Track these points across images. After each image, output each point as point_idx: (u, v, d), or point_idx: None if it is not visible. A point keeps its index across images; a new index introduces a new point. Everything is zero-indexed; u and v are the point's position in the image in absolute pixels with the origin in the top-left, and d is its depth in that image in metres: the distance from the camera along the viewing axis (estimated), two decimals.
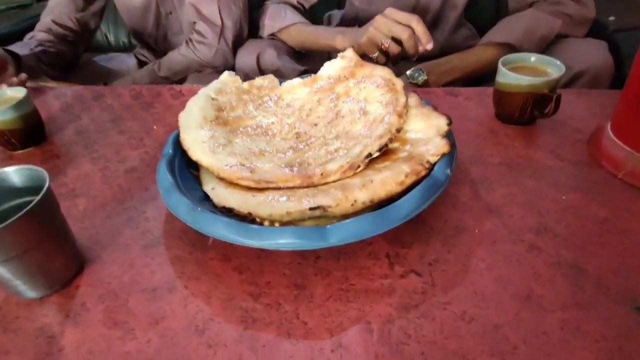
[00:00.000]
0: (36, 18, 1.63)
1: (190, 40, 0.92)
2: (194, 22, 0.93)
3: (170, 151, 0.48)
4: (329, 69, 0.57)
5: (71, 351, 0.34)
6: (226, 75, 0.58)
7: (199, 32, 0.90)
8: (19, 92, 0.60)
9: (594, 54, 0.74)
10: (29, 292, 0.37)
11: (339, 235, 0.35)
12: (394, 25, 0.67)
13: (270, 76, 0.59)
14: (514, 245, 0.39)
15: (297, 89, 0.57)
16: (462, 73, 0.77)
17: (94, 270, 0.41)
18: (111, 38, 1.64)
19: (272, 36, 0.92)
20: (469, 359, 0.30)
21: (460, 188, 0.46)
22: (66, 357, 0.33)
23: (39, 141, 0.63)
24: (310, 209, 0.38)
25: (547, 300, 0.34)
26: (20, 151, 0.61)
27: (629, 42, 0.88)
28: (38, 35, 0.94)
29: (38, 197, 0.34)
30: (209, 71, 0.92)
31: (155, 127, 0.64)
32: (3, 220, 0.32)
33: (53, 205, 0.37)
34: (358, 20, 0.94)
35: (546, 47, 0.78)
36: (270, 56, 0.85)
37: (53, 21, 0.95)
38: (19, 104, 0.58)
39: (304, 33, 0.88)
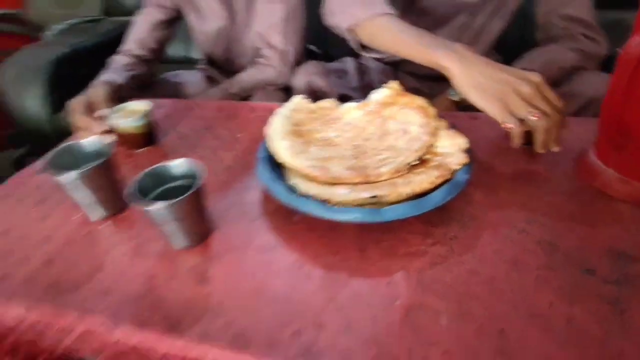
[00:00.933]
0: (108, 33, 1.85)
1: (258, 63, 1.12)
2: (259, 48, 1.13)
3: (264, 154, 0.67)
4: (377, 96, 0.75)
5: (215, 280, 0.52)
6: (298, 98, 0.77)
7: (265, 57, 1.10)
8: (142, 105, 0.81)
9: (601, 84, 0.89)
10: (181, 243, 0.57)
11: (391, 214, 0.53)
12: (528, 108, 0.59)
13: (332, 100, 0.78)
14: (510, 229, 0.56)
15: (352, 111, 0.75)
16: None
17: (219, 234, 0.60)
18: (170, 52, 1.87)
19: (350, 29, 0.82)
20: (473, 295, 0.48)
21: (474, 189, 0.63)
22: (212, 282, 0.52)
23: (152, 143, 0.83)
24: (370, 197, 0.56)
25: (527, 265, 0.51)
26: (137, 150, 0.82)
27: None
28: (122, 60, 1.11)
29: (199, 181, 0.54)
30: (272, 88, 1.11)
31: (239, 135, 0.83)
32: (164, 197, 0.52)
33: (203, 188, 0.56)
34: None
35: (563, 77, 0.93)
36: (317, 80, 1.03)
37: (138, 44, 1.15)
38: (146, 114, 0.79)
39: (395, 33, 0.75)
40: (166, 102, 0.96)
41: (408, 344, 0.43)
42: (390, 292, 0.49)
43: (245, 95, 1.12)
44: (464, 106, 0.90)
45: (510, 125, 0.60)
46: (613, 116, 0.57)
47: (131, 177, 0.55)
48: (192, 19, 1.18)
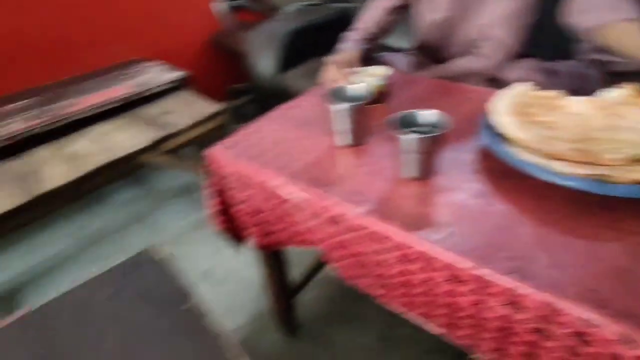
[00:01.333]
0: (329, 16, 2.14)
1: (472, 53, 1.21)
2: (475, 39, 1.22)
3: (487, 125, 0.77)
4: (610, 94, 0.77)
5: (436, 205, 0.66)
6: (523, 86, 0.85)
7: (481, 47, 1.19)
8: (381, 69, 0.99)
9: None
10: (412, 173, 0.72)
11: (623, 190, 0.58)
12: None
13: (557, 92, 0.83)
14: None
15: (580, 103, 0.79)
16: None
17: (440, 176, 0.73)
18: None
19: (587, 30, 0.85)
20: None
21: None
22: (434, 206, 0.66)
23: (381, 102, 1.01)
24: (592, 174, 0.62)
25: None
26: (370, 106, 1.00)
27: None
28: (361, 33, 1.34)
29: (444, 129, 0.67)
30: (481, 78, 1.20)
31: (458, 108, 0.95)
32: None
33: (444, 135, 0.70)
34: None
35: None
36: (533, 75, 1.07)
37: (374, 24, 1.35)
38: (385, 77, 0.97)
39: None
40: (394, 74, 1.14)
41: (622, 299, 0.49)
42: (603, 253, 0.55)
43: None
44: None
45: None
46: None
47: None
48: (422, 7, 1.33)
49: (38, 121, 1.48)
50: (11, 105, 1.60)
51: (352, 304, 1.29)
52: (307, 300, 1.31)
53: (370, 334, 1.21)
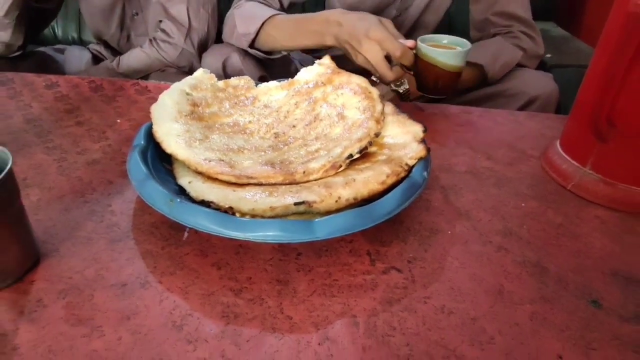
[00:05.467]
0: None
1: (155, 39, 0.89)
2: (160, 21, 0.90)
3: (143, 142, 0.45)
4: (306, 74, 0.57)
5: (27, 350, 0.30)
6: (201, 72, 0.57)
7: (164, 31, 0.88)
8: None
9: (544, 83, 0.83)
10: None
11: (325, 229, 0.35)
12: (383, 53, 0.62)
13: (247, 77, 0.59)
14: (484, 246, 0.41)
15: (273, 91, 0.57)
16: None
17: (51, 265, 0.37)
18: (59, 32, 1.54)
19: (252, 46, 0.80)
20: (451, 348, 0.31)
21: (432, 193, 0.48)
22: (22, 356, 0.30)
23: None
24: (295, 204, 0.38)
25: (516, 295, 0.36)
26: None
27: (562, 75, 1.00)
28: None
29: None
30: (172, 71, 0.89)
31: (119, 120, 0.60)
32: None
33: (13, 189, 0.34)
34: None
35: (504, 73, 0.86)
36: (236, 61, 0.84)
37: None
38: None
39: (284, 28, 0.77)
40: (14, 76, 0.70)
41: None
42: (326, 355, 0.31)
43: (137, 78, 0.88)
44: (407, 98, 0.77)
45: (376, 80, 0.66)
46: (598, 104, 0.46)
47: None
48: None
49: None
50: None
51: None
52: None
53: None
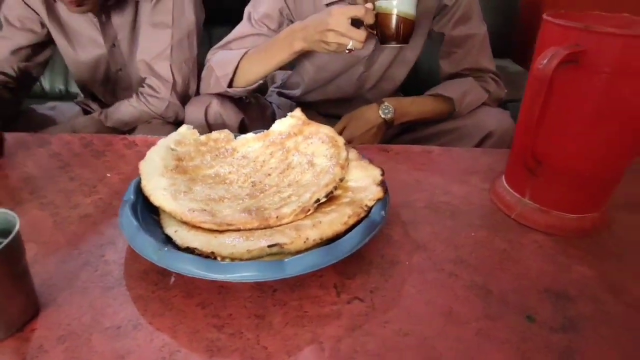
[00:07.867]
0: None
1: (142, 93, 0.95)
2: (145, 78, 0.98)
3: (132, 197, 0.51)
4: (280, 126, 0.64)
5: None
6: (184, 128, 0.64)
7: (151, 87, 0.95)
8: None
9: (501, 119, 0.92)
10: None
11: (295, 267, 0.41)
12: (348, 22, 0.71)
13: (226, 130, 0.65)
14: (438, 273, 0.47)
15: (250, 142, 0.64)
16: (418, 116, 0.93)
17: (51, 314, 0.41)
18: (46, 85, 1.60)
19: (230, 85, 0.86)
20: None
21: (392, 228, 0.54)
22: None
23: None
24: (269, 246, 0.43)
25: (464, 315, 0.42)
26: None
27: (517, 108, 1.10)
28: None
29: (7, 240, 0.36)
30: (159, 122, 0.95)
31: (109, 174, 0.65)
32: None
33: (20, 249, 0.38)
34: (303, 86, 1.04)
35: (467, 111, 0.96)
36: (216, 105, 0.89)
37: None
38: None
39: (256, 56, 0.84)
40: (7, 136, 0.75)
41: None
42: None
43: (125, 130, 0.94)
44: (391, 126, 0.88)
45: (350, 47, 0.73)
46: (525, 145, 0.54)
47: None
48: (63, 46, 0.99)
49: None
50: None
51: None
52: None
53: None
